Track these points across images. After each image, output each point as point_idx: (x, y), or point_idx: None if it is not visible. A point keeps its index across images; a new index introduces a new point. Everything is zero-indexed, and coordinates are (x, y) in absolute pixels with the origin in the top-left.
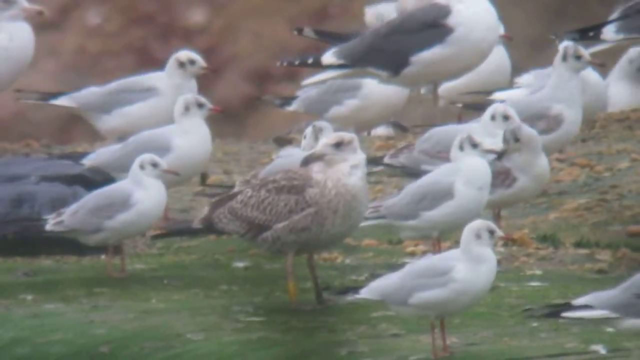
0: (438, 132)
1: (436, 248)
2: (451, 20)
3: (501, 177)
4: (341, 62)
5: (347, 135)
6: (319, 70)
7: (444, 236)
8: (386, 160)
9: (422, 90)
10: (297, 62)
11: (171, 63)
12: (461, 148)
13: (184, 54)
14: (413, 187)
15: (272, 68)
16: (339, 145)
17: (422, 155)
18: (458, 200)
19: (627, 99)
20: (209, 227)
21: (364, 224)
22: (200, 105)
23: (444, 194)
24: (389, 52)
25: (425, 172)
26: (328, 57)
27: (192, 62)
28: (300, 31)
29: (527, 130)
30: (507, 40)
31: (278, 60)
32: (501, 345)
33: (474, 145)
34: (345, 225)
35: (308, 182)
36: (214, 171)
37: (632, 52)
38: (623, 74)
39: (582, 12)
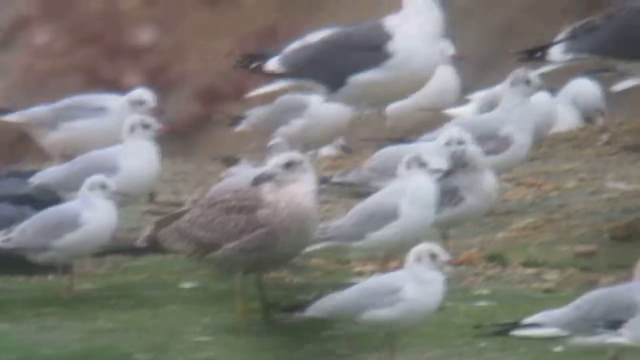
0: (388, 151)
1: (384, 268)
2: (391, 46)
3: (448, 196)
4: (283, 70)
5: (297, 156)
6: (263, 77)
7: (392, 256)
8: (335, 179)
9: (366, 111)
10: (245, 65)
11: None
12: (409, 167)
13: (136, 95)
14: (359, 208)
15: (220, 87)
16: (289, 165)
17: (371, 173)
18: (403, 220)
19: (574, 119)
20: (154, 246)
21: (311, 247)
22: (146, 126)
23: (390, 214)
24: (328, 68)
25: (373, 192)
26: (272, 64)
27: (140, 103)
28: (231, 56)
29: (472, 152)
30: (458, 60)
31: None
32: None
33: (422, 165)
34: (297, 245)
35: (259, 202)
36: (162, 190)
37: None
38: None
39: (530, 32)
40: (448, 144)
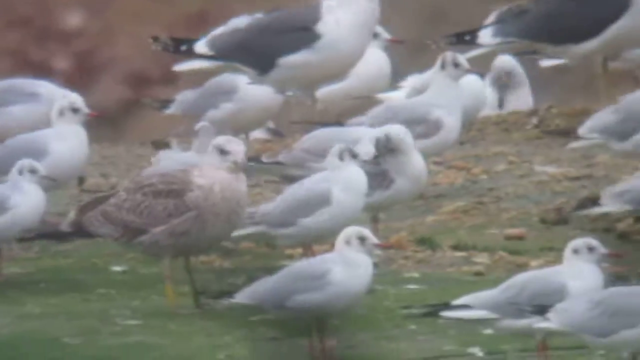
0: (320, 132)
1: (309, 252)
2: (320, 27)
3: (378, 179)
4: (212, 52)
5: (233, 143)
6: (193, 58)
7: (321, 241)
8: (264, 159)
9: (290, 93)
10: (171, 48)
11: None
12: (340, 157)
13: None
14: (289, 194)
15: (149, 72)
16: (222, 151)
17: (303, 154)
18: (335, 207)
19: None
20: (79, 230)
21: (238, 232)
22: (74, 110)
23: (321, 200)
24: (258, 51)
25: (304, 174)
26: (201, 46)
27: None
28: (156, 39)
29: (396, 136)
30: (398, 44)
31: (153, 45)
32: (379, 348)
33: (353, 156)
34: (226, 229)
35: (188, 186)
36: (91, 174)
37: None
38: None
39: (461, 15)
40: (377, 146)
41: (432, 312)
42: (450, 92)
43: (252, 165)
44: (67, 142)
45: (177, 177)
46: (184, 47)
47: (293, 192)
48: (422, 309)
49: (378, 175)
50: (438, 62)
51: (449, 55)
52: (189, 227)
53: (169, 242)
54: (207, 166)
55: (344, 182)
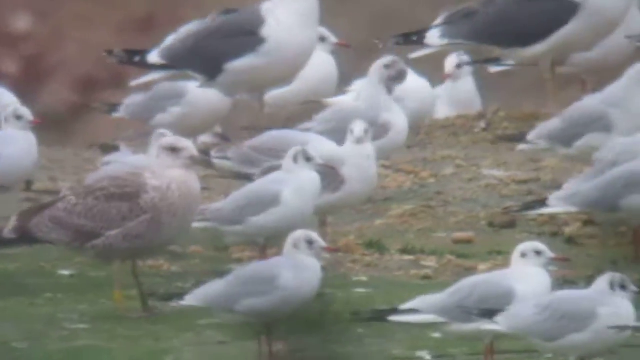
0: (272, 133)
1: (262, 255)
2: (264, 31)
3: (328, 180)
4: (164, 62)
5: (182, 141)
6: (146, 69)
7: (271, 243)
8: (213, 154)
9: (238, 97)
10: (125, 60)
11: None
12: (295, 160)
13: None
14: (240, 193)
15: (97, 75)
16: (174, 150)
17: (252, 152)
18: (284, 207)
19: (452, 106)
20: (24, 236)
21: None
22: (18, 117)
23: (271, 200)
24: (205, 57)
25: (252, 171)
26: (153, 57)
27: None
28: (110, 52)
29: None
30: (345, 47)
31: (108, 58)
32: (327, 351)
33: (308, 159)
34: (180, 229)
35: (142, 188)
36: (39, 178)
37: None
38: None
39: (408, 18)
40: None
41: (380, 317)
42: (383, 95)
43: (207, 158)
44: (16, 146)
45: (129, 179)
46: (137, 59)
47: (245, 190)
48: (370, 314)
49: (328, 177)
50: (375, 67)
51: (383, 59)
52: (144, 230)
53: (124, 246)
54: (157, 167)
55: (295, 185)
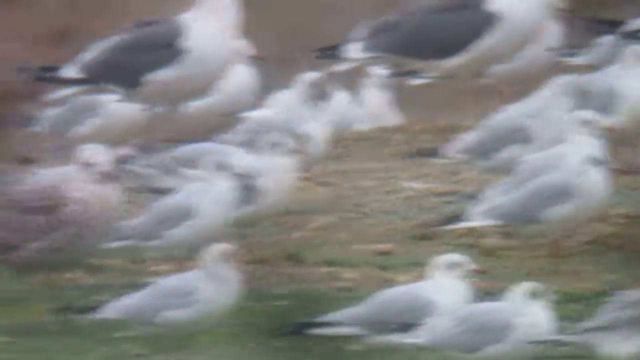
0: (194, 146)
1: (179, 266)
2: (183, 43)
3: (245, 192)
4: (81, 76)
5: (98, 155)
6: (59, 85)
7: (189, 255)
8: (136, 164)
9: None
10: (34, 77)
11: None
12: (210, 169)
13: None
14: (156, 207)
15: (12, 87)
16: (88, 164)
17: (174, 162)
18: (200, 220)
19: (371, 118)
20: None
21: (107, 246)
22: None
23: (186, 213)
24: (124, 69)
25: (169, 189)
26: (68, 71)
27: None
28: (24, 70)
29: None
30: (259, 59)
31: (16, 74)
32: None
33: (224, 168)
34: (99, 241)
35: (62, 201)
36: None
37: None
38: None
39: (328, 30)
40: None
41: (298, 330)
42: (305, 107)
43: (117, 174)
44: None
45: (47, 192)
46: (49, 75)
47: (161, 204)
48: (288, 328)
49: (245, 189)
50: (301, 79)
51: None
52: (64, 243)
53: (43, 258)
54: (77, 180)
55: (211, 196)
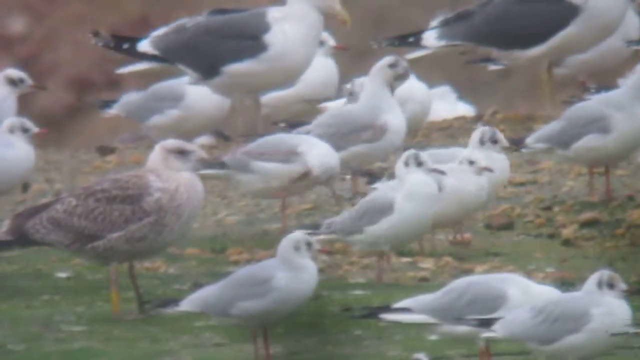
0: (265, 138)
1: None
2: (268, 38)
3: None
4: (156, 52)
5: (189, 145)
6: (134, 57)
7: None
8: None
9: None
10: (112, 45)
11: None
12: (406, 164)
13: (15, 73)
14: (359, 203)
15: (93, 76)
16: (182, 152)
17: (244, 157)
18: (397, 214)
19: (450, 107)
20: (21, 238)
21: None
22: (25, 130)
23: (384, 209)
24: (203, 54)
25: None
26: (144, 45)
27: (21, 80)
28: (97, 34)
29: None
30: (342, 50)
31: (94, 40)
32: (324, 353)
33: (419, 163)
34: (183, 231)
35: (145, 190)
36: (35, 180)
37: None
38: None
39: (403, 19)
40: (482, 142)
41: (372, 314)
42: (386, 96)
43: (216, 159)
44: (14, 150)
45: (132, 182)
46: (126, 46)
47: (363, 201)
48: (362, 311)
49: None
50: (375, 66)
51: (387, 59)
52: (147, 232)
53: (125, 248)
54: (163, 170)
55: (407, 191)
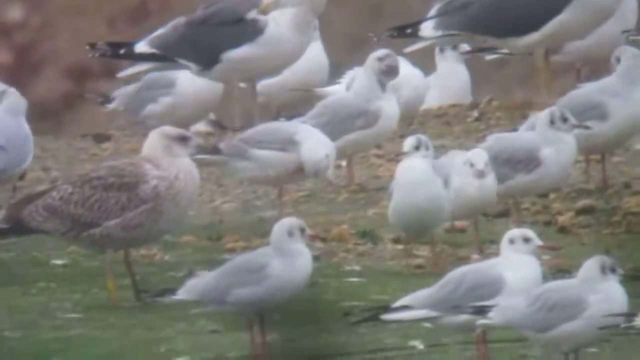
0: (262, 126)
1: (252, 245)
2: (263, 20)
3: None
4: (153, 51)
5: (187, 131)
6: (133, 60)
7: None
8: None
9: (242, 85)
10: (109, 54)
11: None
12: (552, 122)
13: None
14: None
15: (90, 65)
16: (182, 139)
17: (242, 144)
18: (544, 168)
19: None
20: (16, 226)
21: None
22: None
23: (533, 161)
24: (200, 45)
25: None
26: (141, 46)
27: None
28: (92, 46)
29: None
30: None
31: (90, 52)
32: (320, 341)
33: (565, 120)
34: (179, 219)
35: (141, 178)
36: (31, 168)
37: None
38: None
39: (400, 9)
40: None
41: (372, 316)
42: (377, 85)
43: (215, 146)
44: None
45: (128, 169)
46: (122, 51)
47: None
48: (362, 314)
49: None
50: (369, 58)
51: (381, 51)
52: (143, 220)
53: (121, 235)
54: (159, 157)
55: (554, 147)
